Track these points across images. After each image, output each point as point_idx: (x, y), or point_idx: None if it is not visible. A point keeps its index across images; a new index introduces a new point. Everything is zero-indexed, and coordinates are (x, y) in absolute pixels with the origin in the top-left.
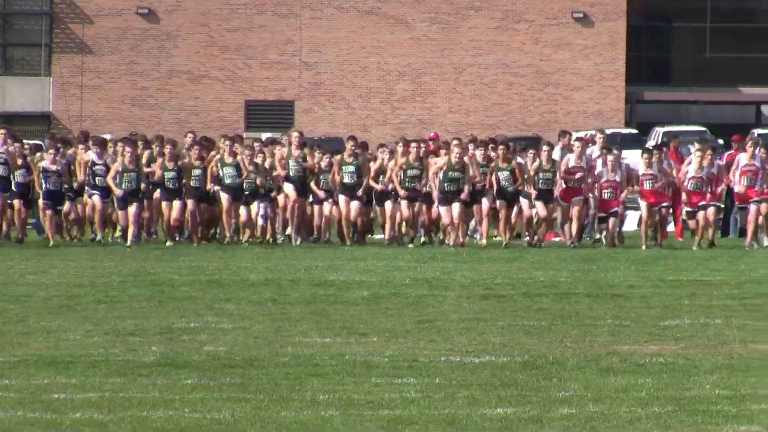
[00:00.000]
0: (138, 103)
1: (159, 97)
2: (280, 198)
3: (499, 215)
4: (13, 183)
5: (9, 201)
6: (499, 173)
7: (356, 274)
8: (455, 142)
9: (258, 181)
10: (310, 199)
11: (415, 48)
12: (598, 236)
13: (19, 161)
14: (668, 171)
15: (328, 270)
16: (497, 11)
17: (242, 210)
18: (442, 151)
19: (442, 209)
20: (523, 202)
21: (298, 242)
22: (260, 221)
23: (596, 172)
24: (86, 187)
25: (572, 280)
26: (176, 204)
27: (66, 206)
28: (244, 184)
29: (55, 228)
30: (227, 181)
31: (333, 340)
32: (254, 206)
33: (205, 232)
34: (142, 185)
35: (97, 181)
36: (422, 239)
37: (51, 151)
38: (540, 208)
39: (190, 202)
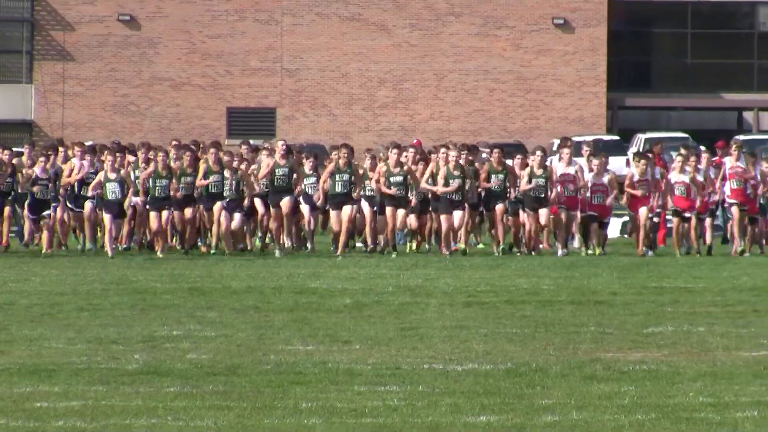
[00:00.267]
0: (120, 110)
1: (141, 104)
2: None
3: (494, 220)
4: None
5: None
6: (493, 176)
7: (339, 282)
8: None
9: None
10: (302, 202)
11: (396, 54)
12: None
13: (8, 169)
14: (659, 180)
15: (310, 277)
16: (478, 17)
17: (222, 218)
18: (441, 156)
19: (443, 216)
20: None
21: (281, 254)
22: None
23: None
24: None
25: (555, 288)
26: (165, 213)
27: (58, 213)
28: (226, 193)
29: (33, 236)
30: (212, 190)
31: (316, 347)
32: (237, 216)
33: (193, 240)
34: (131, 193)
35: (83, 191)
36: (409, 245)
37: (41, 159)
38: (530, 218)
39: (177, 212)
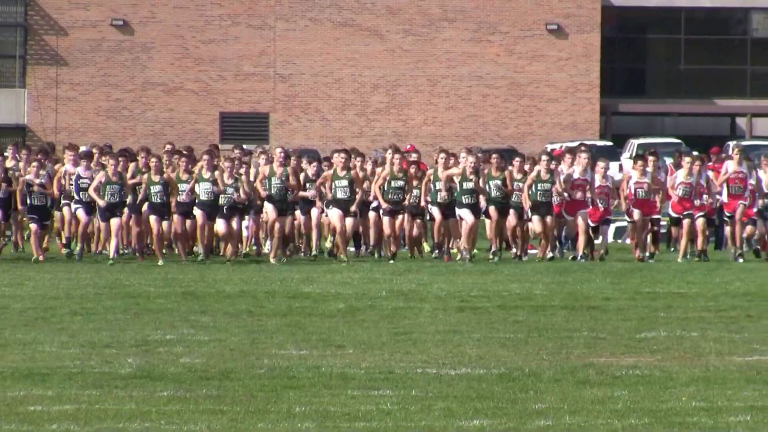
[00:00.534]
0: (113, 115)
1: (134, 109)
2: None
3: (491, 224)
4: None
5: None
6: (491, 182)
7: (332, 286)
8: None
9: (236, 196)
10: (298, 210)
11: (390, 60)
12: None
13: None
14: (659, 180)
15: (303, 282)
16: (471, 23)
17: (220, 223)
18: (451, 161)
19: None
20: (512, 212)
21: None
22: (244, 232)
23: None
24: (62, 200)
25: (548, 293)
26: (166, 220)
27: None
28: (221, 199)
29: (39, 242)
30: (202, 197)
31: (309, 352)
32: (235, 220)
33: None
34: (129, 198)
35: (81, 195)
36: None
37: (34, 164)
38: (536, 223)
39: (176, 218)
